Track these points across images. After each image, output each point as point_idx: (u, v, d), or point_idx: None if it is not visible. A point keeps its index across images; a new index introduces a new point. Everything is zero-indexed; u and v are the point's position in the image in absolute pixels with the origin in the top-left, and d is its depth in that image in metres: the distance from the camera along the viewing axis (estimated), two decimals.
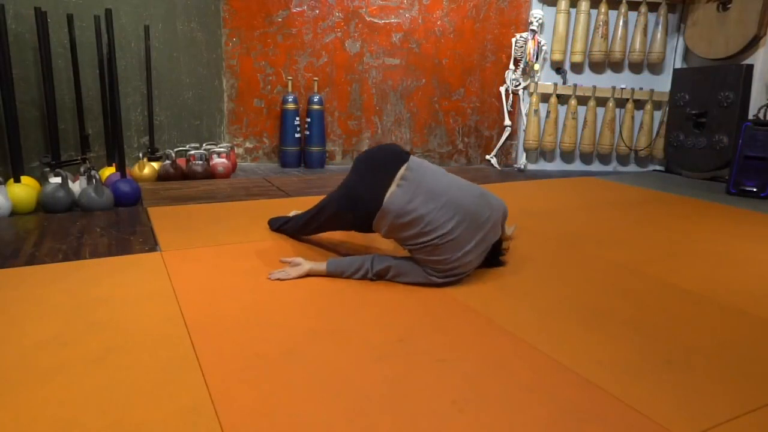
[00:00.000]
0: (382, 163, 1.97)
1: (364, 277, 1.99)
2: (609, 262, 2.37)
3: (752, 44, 4.49)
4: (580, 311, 1.82)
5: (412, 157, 2.00)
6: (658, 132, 5.28)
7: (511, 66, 5.21)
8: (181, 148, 4.33)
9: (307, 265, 2.02)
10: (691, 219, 3.28)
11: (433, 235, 1.83)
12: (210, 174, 4.19)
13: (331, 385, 1.31)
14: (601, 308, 1.85)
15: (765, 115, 4.29)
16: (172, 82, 4.48)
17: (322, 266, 2.01)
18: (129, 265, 2.13)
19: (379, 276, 1.98)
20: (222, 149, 4.39)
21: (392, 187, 1.88)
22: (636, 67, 5.29)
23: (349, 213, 2.01)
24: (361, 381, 1.34)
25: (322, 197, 2.27)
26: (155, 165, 4.04)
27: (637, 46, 5.08)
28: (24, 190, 2.97)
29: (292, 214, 2.65)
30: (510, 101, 5.28)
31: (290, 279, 1.98)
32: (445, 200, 1.86)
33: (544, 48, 5.10)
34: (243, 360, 1.42)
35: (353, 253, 2.32)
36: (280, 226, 2.60)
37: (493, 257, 2.10)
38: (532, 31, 5.01)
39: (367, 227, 1.99)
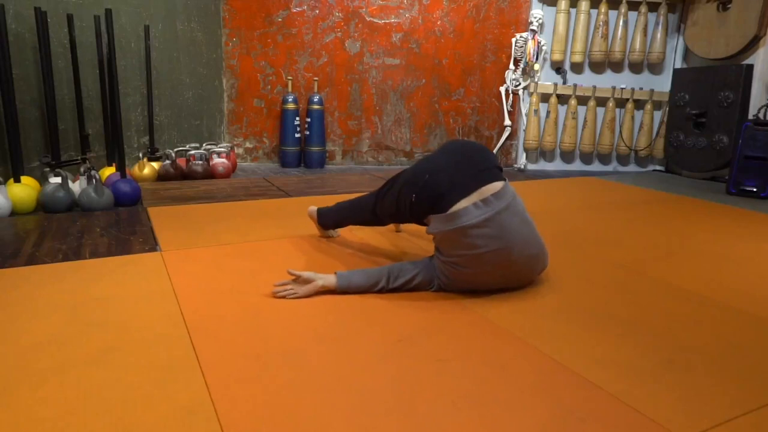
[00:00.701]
0: (476, 165, 1.82)
1: (380, 292, 1.87)
2: (609, 262, 2.37)
3: (752, 44, 4.49)
4: (580, 311, 1.82)
5: (507, 182, 1.85)
6: (658, 132, 5.28)
7: (511, 66, 5.21)
8: (181, 148, 4.33)
9: (319, 282, 1.83)
10: (691, 219, 3.28)
11: (470, 265, 1.78)
12: (210, 174, 4.19)
13: (331, 385, 1.31)
14: (601, 308, 1.85)
15: (765, 115, 4.29)
16: (172, 82, 4.48)
17: (331, 280, 1.84)
18: (129, 265, 2.13)
19: (398, 289, 1.88)
20: (222, 149, 4.39)
21: (468, 202, 1.74)
22: (636, 67, 5.29)
23: (409, 197, 1.86)
24: (361, 381, 1.34)
25: (322, 197, 2.26)
26: (155, 165, 4.04)
27: (637, 46, 5.08)
28: (24, 190, 2.97)
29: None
30: (510, 101, 5.28)
31: (297, 298, 1.81)
32: (503, 245, 1.74)
33: (544, 48, 5.10)
34: (243, 360, 1.42)
35: (365, 254, 2.30)
36: (329, 217, 2.44)
37: None
38: (532, 31, 5.01)
39: (419, 217, 1.89)
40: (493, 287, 1.90)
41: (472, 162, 1.84)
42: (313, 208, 2.51)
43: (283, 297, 1.82)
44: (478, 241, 1.73)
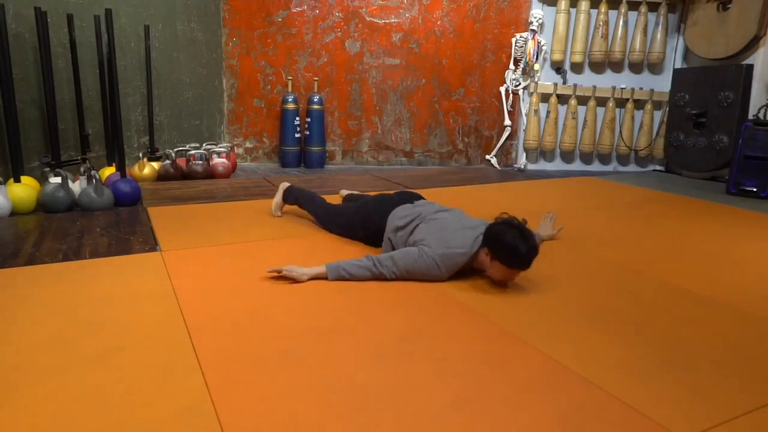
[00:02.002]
0: (397, 199, 2.41)
1: (375, 279, 2.00)
2: (609, 262, 2.37)
3: (752, 44, 4.49)
4: (580, 311, 1.82)
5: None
6: (658, 132, 5.28)
7: (511, 66, 5.21)
8: (181, 148, 4.33)
9: (309, 272, 1.99)
10: (691, 219, 3.28)
11: (419, 220, 2.15)
12: (210, 174, 4.18)
13: (331, 384, 1.31)
14: (601, 308, 1.85)
15: (765, 115, 4.29)
16: (172, 82, 4.48)
17: (321, 270, 2.00)
18: (129, 265, 2.13)
19: (383, 277, 2.00)
20: (222, 149, 4.39)
21: (397, 209, 2.29)
22: (636, 67, 5.29)
23: (359, 230, 2.45)
24: (361, 381, 1.34)
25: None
26: (155, 165, 4.03)
27: (637, 46, 5.08)
28: (24, 190, 2.97)
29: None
30: (510, 101, 5.28)
31: (293, 277, 1.96)
32: (436, 212, 2.20)
33: (544, 48, 5.10)
34: (243, 360, 1.42)
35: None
36: (296, 196, 2.85)
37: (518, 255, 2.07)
38: (532, 31, 5.01)
39: (374, 239, 2.34)
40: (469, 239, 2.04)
41: (392, 198, 2.47)
42: (285, 184, 2.96)
43: (290, 276, 1.97)
44: (415, 212, 2.23)
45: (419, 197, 2.46)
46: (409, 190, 2.71)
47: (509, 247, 1.86)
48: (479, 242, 1.99)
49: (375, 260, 2.01)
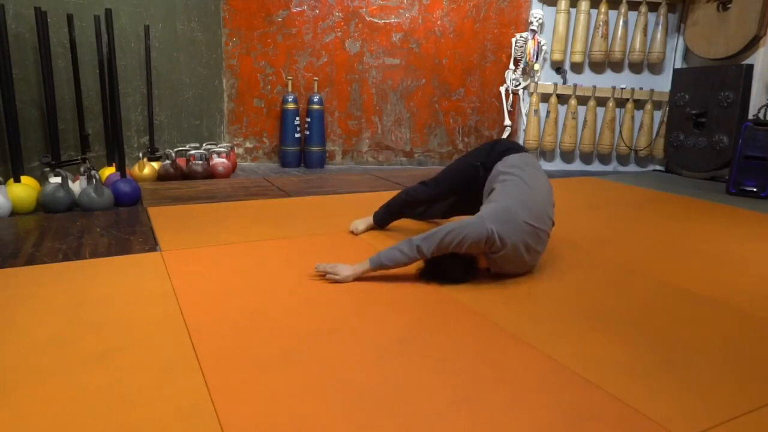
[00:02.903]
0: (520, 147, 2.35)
1: (416, 260, 1.93)
2: (609, 262, 2.37)
3: (752, 44, 4.49)
4: (579, 311, 1.82)
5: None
6: (658, 132, 5.28)
7: (511, 66, 5.21)
8: (181, 148, 4.33)
9: (356, 270, 1.96)
10: (691, 219, 3.28)
11: (514, 176, 2.10)
12: (210, 174, 4.18)
13: (331, 385, 1.31)
14: (601, 308, 1.85)
15: (765, 115, 4.29)
16: (172, 82, 4.48)
17: (365, 264, 1.97)
18: (129, 265, 2.13)
19: (426, 252, 1.90)
20: (222, 149, 4.39)
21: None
22: (636, 67, 5.29)
23: (476, 167, 2.28)
24: (361, 381, 1.34)
25: (322, 197, 2.29)
26: (155, 165, 4.03)
27: (637, 46, 5.08)
28: (24, 190, 2.97)
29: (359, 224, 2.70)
30: (510, 101, 5.28)
31: (336, 280, 1.94)
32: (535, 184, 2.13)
33: (544, 48, 5.10)
34: (243, 360, 1.42)
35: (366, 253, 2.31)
36: (387, 213, 2.64)
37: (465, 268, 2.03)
38: (532, 31, 5.01)
39: (481, 171, 2.26)
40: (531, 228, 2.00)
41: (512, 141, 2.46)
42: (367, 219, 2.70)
43: (328, 274, 1.96)
44: (535, 174, 2.17)
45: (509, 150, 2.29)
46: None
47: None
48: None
49: (415, 243, 1.90)
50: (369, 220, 2.67)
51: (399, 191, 2.64)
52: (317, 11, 4.98)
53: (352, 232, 2.63)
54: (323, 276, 1.99)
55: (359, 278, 1.98)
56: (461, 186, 2.39)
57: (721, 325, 1.77)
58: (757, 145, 4.08)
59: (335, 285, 1.95)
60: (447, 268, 1.97)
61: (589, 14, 5.02)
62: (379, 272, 1.98)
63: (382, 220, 2.66)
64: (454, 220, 2.23)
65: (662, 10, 5.03)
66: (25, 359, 1.38)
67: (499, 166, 2.18)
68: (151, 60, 4.10)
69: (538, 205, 2.03)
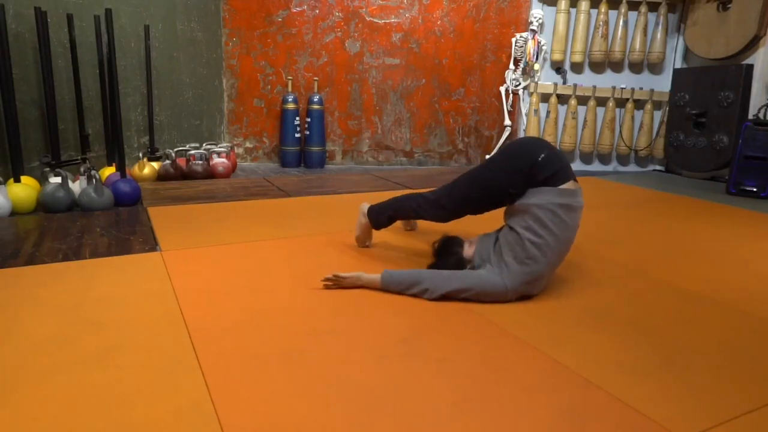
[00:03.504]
0: (561, 159, 1.90)
1: (420, 295, 1.84)
2: (609, 262, 2.37)
3: (752, 44, 4.49)
4: (580, 311, 1.82)
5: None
6: (658, 132, 5.28)
7: (511, 66, 5.21)
8: (181, 148, 4.33)
9: (364, 277, 1.91)
10: (691, 219, 3.28)
11: (548, 237, 1.80)
12: (210, 174, 4.18)
13: (332, 385, 1.31)
14: (601, 308, 1.85)
15: (765, 115, 4.29)
16: (172, 82, 4.48)
17: (375, 278, 1.89)
18: (129, 265, 2.13)
19: (431, 293, 1.83)
20: (222, 149, 4.39)
21: (572, 185, 1.86)
22: (636, 67, 5.29)
23: (517, 170, 1.85)
24: (361, 381, 1.33)
25: (322, 197, 2.24)
26: (155, 165, 4.03)
27: (637, 46, 5.08)
28: (24, 190, 2.97)
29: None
30: (510, 101, 5.28)
31: (341, 284, 1.90)
32: (572, 235, 1.89)
33: (544, 48, 5.10)
34: (243, 360, 1.41)
35: (366, 255, 2.30)
36: (389, 210, 2.30)
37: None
38: (532, 31, 5.01)
39: (526, 184, 1.85)
40: (551, 273, 1.93)
41: (557, 156, 1.91)
42: (365, 205, 2.40)
43: (328, 285, 1.91)
44: (571, 222, 1.84)
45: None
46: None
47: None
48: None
49: (424, 278, 1.85)
50: (364, 223, 2.37)
51: (406, 196, 2.26)
52: (317, 11, 4.98)
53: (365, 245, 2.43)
54: (336, 282, 1.91)
55: (362, 287, 1.92)
56: (485, 208, 2.03)
57: (721, 325, 1.77)
58: (757, 145, 4.08)
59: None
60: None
61: (589, 14, 5.02)
62: None
63: (383, 225, 2.36)
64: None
65: (662, 10, 5.03)
66: (25, 359, 1.38)
67: (535, 199, 1.82)
68: (151, 60, 4.10)
69: (562, 258, 1.93)
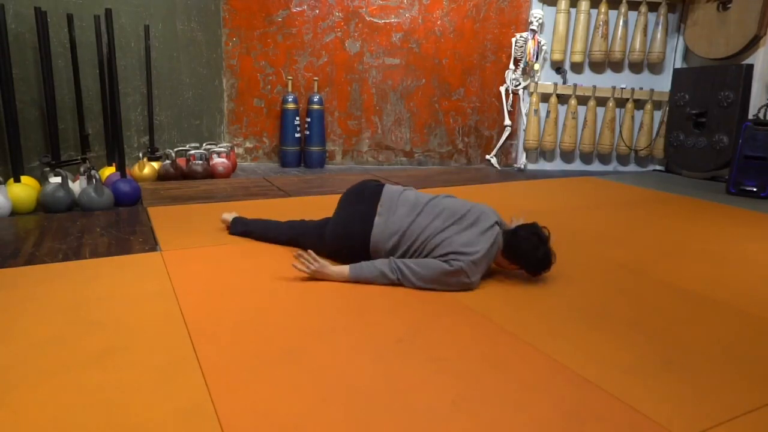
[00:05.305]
0: (365, 195, 2.10)
1: (391, 283, 1.93)
2: (609, 262, 2.37)
3: (752, 44, 4.49)
4: (580, 311, 1.82)
5: (386, 185, 2.13)
6: (658, 132, 5.28)
7: (511, 66, 5.21)
8: (181, 148, 4.33)
9: (331, 268, 1.95)
10: (691, 219, 3.28)
11: (423, 237, 1.95)
12: (210, 174, 4.19)
13: (331, 385, 1.31)
14: (601, 308, 1.85)
15: (765, 115, 4.29)
16: (172, 82, 4.48)
17: (344, 270, 1.95)
18: (129, 264, 2.13)
19: (402, 272, 1.92)
20: (222, 149, 4.39)
21: (376, 218, 2.01)
22: (636, 67, 5.29)
23: (343, 249, 2.08)
24: (360, 381, 1.34)
25: (322, 197, 2.26)
26: (155, 165, 4.03)
27: (637, 46, 5.08)
28: (24, 190, 2.97)
29: (227, 216, 2.62)
30: (510, 101, 5.28)
31: (308, 272, 1.93)
32: (423, 207, 2.02)
33: (544, 48, 5.10)
34: (243, 360, 1.41)
35: None
36: (245, 230, 2.52)
37: (534, 265, 2.03)
38: (532, 31, 5.01)
39: (361, 256, 2.03)
40: (481, 231, 1.96)
41: (359, 194, 2.13)
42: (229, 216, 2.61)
43: (300, 268, 1.94)
44: (405, 222, 1.98)
45: (381, 185, 2.14)
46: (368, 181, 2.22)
47: (534, 259, 2.00)
48: (496, 244, 1.98)
49: (396, 266, 1.93)
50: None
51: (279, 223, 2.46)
52: (317, 11, 4.98)
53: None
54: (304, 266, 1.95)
55: (332, 280, 1.96)
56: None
57: (721, 325, 1.77)
58: (757, 145, 4.08)
59: (335, 285, 1.94)
60: None
61: (589, 14, 5.02)
62: None
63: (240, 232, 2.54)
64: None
65: (662, 10, 5.03)
66: (25, 359, 1.38)
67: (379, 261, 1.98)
68: (151, 60, 4.10)
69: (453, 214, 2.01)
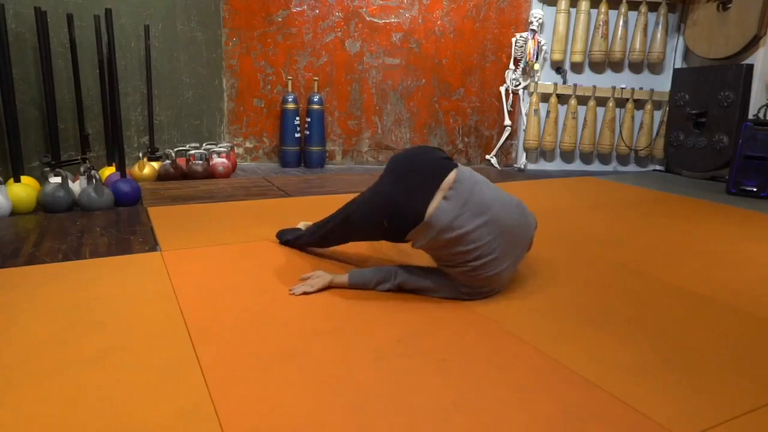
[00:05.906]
0: (425, 169, 1.78)
1: (389, 290, 1.87)
2: (609, 262, 2.37)
3: (752, 44, 4.49)
4: (580, 311, 1.82)
5: (460, 166, 1.83)
6: (658, 132, 5.28)
7: (511, 66, 5.21)
8: (181, 148, 4.33)
9: (328, 277, 1.89)
10: (691, 219, 3.28)
11: (475, 254, 1.70)
12: (210, 174, 4.19)
13: (331, 385, 1.31)
14: (601, 308, 1.85)
15: (765, 115, 4.29)
16: (172, 82, 4.48)
17: (343, 278, 1.89)
18: (129, 265, 2.13)
19: (401, 288, 1.86)
20: (222, 149, 4.39)
21: (437, 200, 1.70)
22: (636, 67, 5.29)
23: (382, 223, 1.79)
24: (361, 381, 1.33)
25: (322, 197, 2.25)
26: (155, 165, 4.04)
27: (637, 45, 5.08)
28: (24, 190, 2.97)
29: (301, 225, 2.47)
30: (510, 101, 5.28)
31: (315, 291, 1.86)
32: (489, 217, 1.71)
33: (544, 48, 5.10)
34: (243, 360, 1.41)
35: (368, 264, 2.27)
36: (289, 240, 2.39)
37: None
38: (532, 30, 5.01)
39: (399, 238, 1.82)
40: (513, 267, 1.83)
41: (417, 166, 1.82)
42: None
43: (305, 293, 1.85)
44: (469, 226, 1.68)
45: (452, 162, 1.85)
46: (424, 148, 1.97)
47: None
48: None
49: (396, 273, 1.86)
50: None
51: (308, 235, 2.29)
52: (317, 11, 4.98)
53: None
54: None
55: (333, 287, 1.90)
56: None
57: (721, 325, 1.77)
58: (757, 145, 4.08)
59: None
60: None
61: (589, 14, 5.02)
62: None
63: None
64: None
65: (662, 9, 5.03)
66: (25, 359, 1.38)
67: (421, 241, 1.76)
68: (151, 60, 4.10)
69: (512, 239, 1.80)
